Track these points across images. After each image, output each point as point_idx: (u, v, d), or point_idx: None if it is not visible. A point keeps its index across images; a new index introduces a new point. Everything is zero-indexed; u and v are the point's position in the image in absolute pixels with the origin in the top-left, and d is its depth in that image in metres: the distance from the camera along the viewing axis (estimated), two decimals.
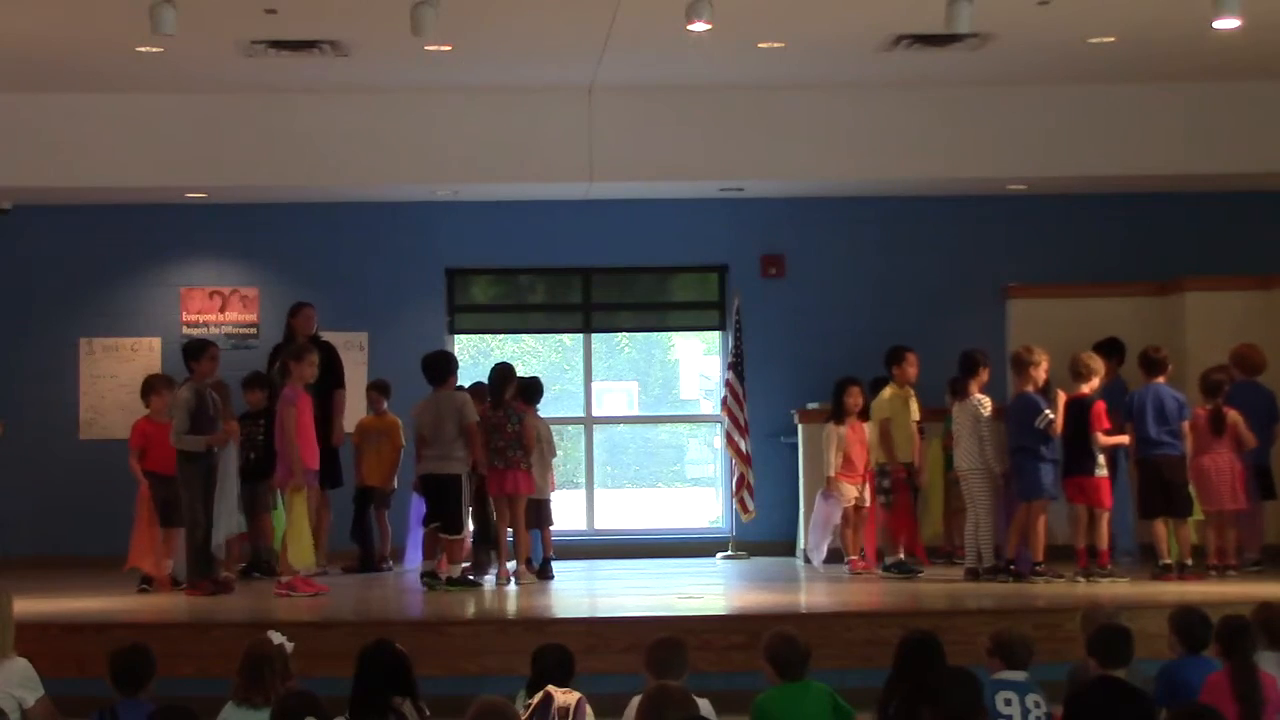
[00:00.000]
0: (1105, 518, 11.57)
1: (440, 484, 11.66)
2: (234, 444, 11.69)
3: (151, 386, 12.10)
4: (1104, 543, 11.54)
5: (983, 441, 11.59)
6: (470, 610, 10.69)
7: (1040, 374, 11.60)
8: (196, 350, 11.69)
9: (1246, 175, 13.58)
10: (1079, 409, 11.50)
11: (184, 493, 11.42)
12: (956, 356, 12.26)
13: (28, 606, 8.30)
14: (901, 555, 12.13)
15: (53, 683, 6.82)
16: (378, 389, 13.38)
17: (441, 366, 11.94)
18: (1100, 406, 11.50)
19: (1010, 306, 14.05)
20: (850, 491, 12.43)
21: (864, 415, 12.49)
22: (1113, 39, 11.80)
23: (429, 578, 11.59)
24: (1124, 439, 11.66)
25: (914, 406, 12.32)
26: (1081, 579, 11.37)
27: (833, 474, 12.42)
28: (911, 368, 12.31)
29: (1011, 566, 11.48)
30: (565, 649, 6.80)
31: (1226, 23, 10.08)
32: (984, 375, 11.80)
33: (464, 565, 11.88)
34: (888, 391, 12.27)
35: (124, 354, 14.30)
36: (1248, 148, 13.31)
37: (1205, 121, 13.34)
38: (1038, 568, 11.45)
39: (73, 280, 14.30)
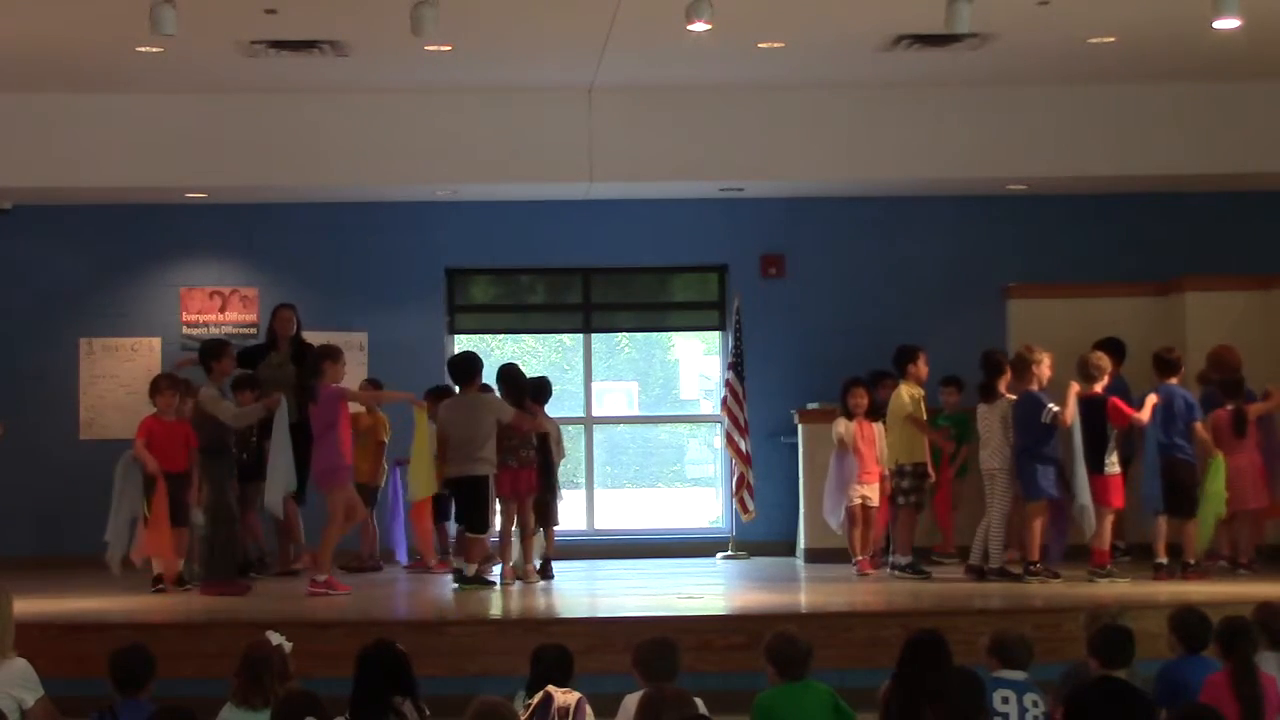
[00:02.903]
0: (1110, 518, 11.55)
1: (468, 485, 11.67)
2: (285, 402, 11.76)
3: (158, 386, 12.11)
4: (1105, 542, 11.53)
5: (1010, 443, 11.55)
6: (470, 610, 10.69)
7: (1043, 372, 11.58)
8: (217, 350, 11.87)
9: (1246, 175, 13.58)
10: (1092, 408, 11.48)
11: (208, 488, 11.48)
12: (956, 356, 12.31)
13: (28, 606, 8.29)
14: (912, 557, 12.07)
15: (53, 683, 6.80)
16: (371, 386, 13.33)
17: (467, 368, 11.91)
18: (1117, 401, 11.49)
19: (1010, 306, 14.03)
20: (858, 489, 12.37)
21: (870, 415, 12.44)
22: (1113, 39, 11.80)
23: (460, 575, 11.69)
24: (1146, 411, 11.51)
25: (922, 406, 12.31)
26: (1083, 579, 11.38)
27: (843, 435, 12.25)
28: (925, 366, 12.28)
29: (1031, 568, 11.45)
30: (565, 649, 6.81)
31: (1226, 23, 10.08)
32: (1009, 374, 11.71)
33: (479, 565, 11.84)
34: (906, 392, 12.16)
35: (124, 354, 14.29)
36: (1247, 148, 13.31)
37: (1205, 121, 13.33)
38: (1032, 568, 11.44)
39: (73, 280, 14.30)
